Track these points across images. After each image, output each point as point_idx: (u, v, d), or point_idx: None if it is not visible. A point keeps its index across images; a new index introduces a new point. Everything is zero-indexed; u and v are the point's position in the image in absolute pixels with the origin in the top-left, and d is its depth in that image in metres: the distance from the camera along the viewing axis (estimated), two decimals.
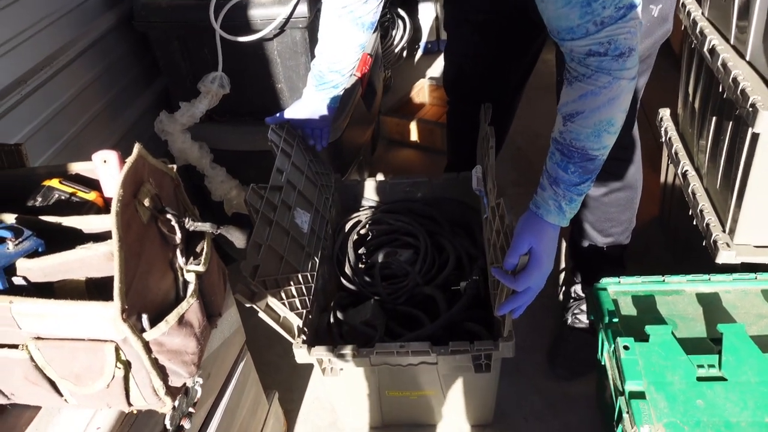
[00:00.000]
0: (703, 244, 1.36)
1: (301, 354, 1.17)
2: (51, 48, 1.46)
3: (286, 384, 1.55)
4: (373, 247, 1.61)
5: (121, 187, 0.66)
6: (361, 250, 1.58)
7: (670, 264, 1.71)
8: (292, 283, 1.22)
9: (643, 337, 1.12)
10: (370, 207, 1.67)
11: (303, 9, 1.55)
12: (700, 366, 1.04)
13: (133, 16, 1.63)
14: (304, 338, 1.18)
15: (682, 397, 1.01)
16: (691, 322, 1.17)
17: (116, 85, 1.71)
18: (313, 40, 1.64)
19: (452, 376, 1.24)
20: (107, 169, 0.79)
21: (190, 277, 0.78)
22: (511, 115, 1.71)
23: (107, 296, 0.65)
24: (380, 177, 2.30)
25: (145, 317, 0.69)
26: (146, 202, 0.71)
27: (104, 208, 0.83)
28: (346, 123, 1.84)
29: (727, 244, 1.29)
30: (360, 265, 1.54)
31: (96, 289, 0.71)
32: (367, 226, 1.63)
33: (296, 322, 1.18)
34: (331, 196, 1.58)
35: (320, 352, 1.17)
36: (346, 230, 1.59)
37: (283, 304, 1.16)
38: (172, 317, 0.72)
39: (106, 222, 0.74)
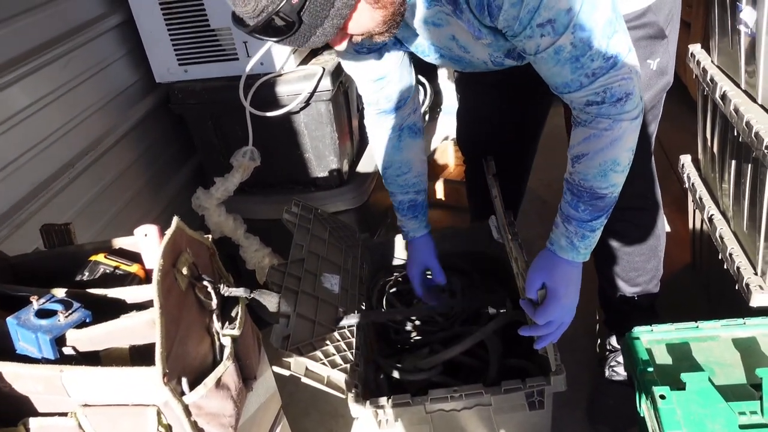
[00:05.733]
0: (736, 287, 1.35)
1: (357, 408, 1.18)
2: (97, 133, 1.58)
3: None
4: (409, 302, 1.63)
5: (161, 258, 0.71)
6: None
7: (705, 310, 1.68)
8: (329, 342, 1.24)
9: (680, 386, 1.10)
10: (401, 266, 1.70)
11: (326, 83, 1.65)
12: (742, 413, 1.02)
13: (169, 99, 1.76)
14: (356, 392, 1.19)
15: None
16: (728, 368, 1.14)
17: (155, 164, 1.82)
18: (336, 111, 1.73)
19: (507, 417, 1.23)
20: (148, 242, 0.86)
21: (226, 341, 0.82)
22: (527, 167, 1.73)
23: (149, 362, 0.70)
24: None
25: (184, 380, 0.73)
26: (184, 271, 0.76)
27: (145, 279, 0.89)
28: (372, 187, 1.90)
29: (760, 287, 1.27)
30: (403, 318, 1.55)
31: (139, 356, 0.75)
32: (399, 285, 1.66)
33: (343, 377, 1.19)
34: (359, 254, 1.62)
35: (376, 403, 1.18)
36: (380, 286, 1.62)
37: (323, 364, 1.18)
38: (210, 380, 0.76)
39: (148, 291, 0.80)
